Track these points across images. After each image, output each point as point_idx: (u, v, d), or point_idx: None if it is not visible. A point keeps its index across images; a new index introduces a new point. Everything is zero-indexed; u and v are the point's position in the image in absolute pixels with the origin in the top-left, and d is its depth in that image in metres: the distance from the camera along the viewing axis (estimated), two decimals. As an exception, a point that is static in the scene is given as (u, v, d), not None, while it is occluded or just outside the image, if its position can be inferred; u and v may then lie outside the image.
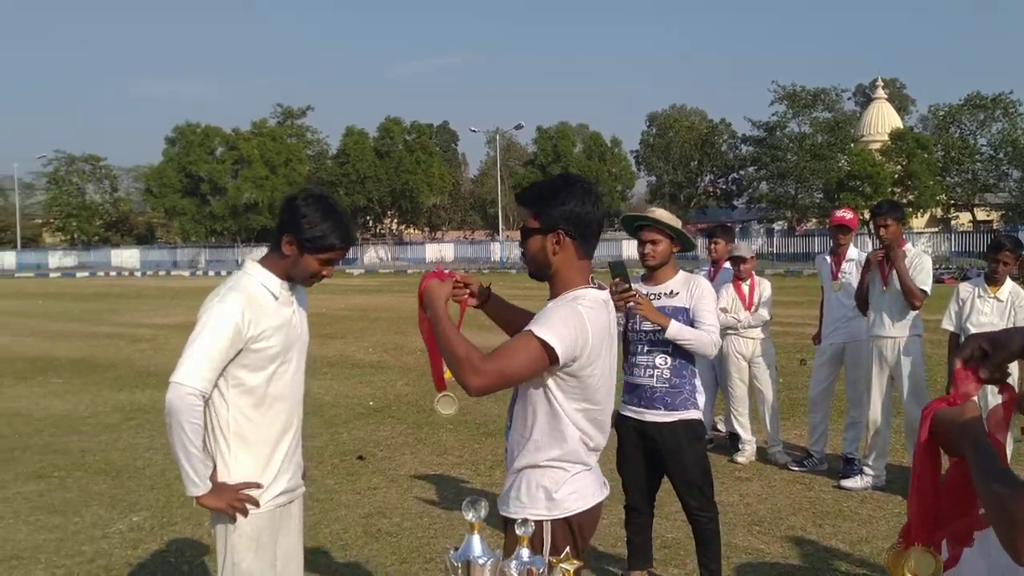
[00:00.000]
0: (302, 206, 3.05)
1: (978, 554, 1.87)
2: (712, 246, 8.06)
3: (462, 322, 2.92)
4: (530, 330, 2.62)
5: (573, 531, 2.75)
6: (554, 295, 2.79)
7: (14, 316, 24.07)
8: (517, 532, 1.81)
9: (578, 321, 2.65)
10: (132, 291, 38.31)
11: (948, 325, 6.42)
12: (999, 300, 6.18)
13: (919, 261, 6.59)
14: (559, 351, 2.59)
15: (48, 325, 21.71)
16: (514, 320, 3.10)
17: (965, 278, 6.83)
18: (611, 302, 2.86)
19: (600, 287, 2.83)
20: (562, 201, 2.72)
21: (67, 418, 9.84)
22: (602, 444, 2.86)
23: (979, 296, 6.24)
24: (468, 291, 3.06)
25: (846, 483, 6.81)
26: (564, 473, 2.76)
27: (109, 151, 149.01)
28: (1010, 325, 6.06)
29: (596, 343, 2.69)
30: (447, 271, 2.98)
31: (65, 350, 16.14)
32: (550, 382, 2.70)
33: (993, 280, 6.24)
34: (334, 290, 32.72)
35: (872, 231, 6.87)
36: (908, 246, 6.79)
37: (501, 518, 2.86)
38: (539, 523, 2.73)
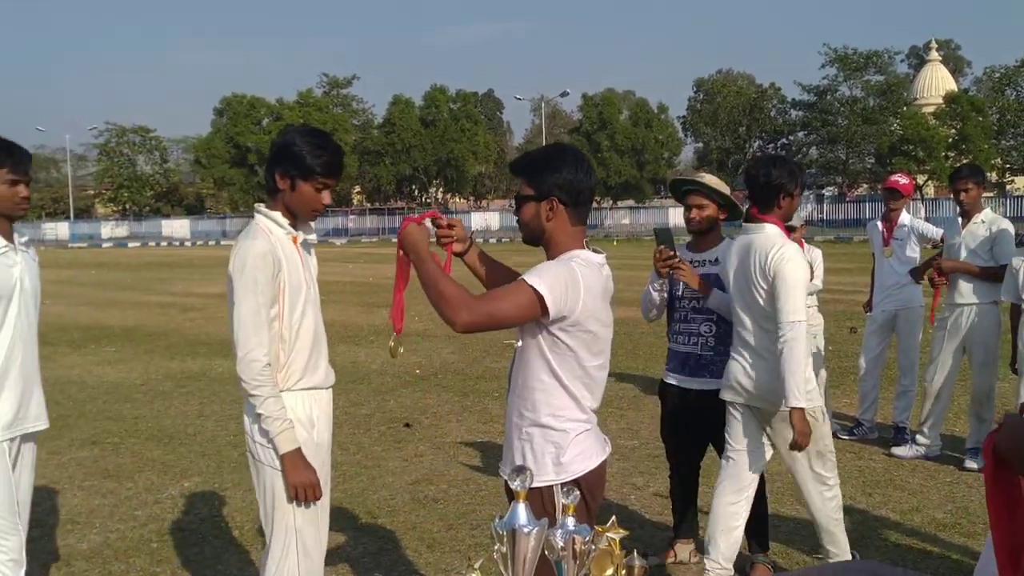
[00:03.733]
0: (282, 138, 3.15)
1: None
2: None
3: (450, 266, 2.93)
4: (523, 278, 2.66)
5: (583, 492, 2.76)
6: (549, 259, 2.82)
7: (68, 285, 24.53)
8: (564, 500, 1.80)
9: (571, 277, 2.68)
10: (183, 261, 38.87)
11: (1008, 296, 6.12)
12: None
13: (1000, 235, 6.42)
14: (549, 301, 2.62)
15: (101, 294, 22.10)
16: (493, 274, 3.14)
17: (1020, 244, 6.62)
18: (606, 265, 2.86)
19: (595, 251, 2.85)
20: (556, 169, 2.78)
21: (120, 386, 10.02)
22: (596, 405, 2.88)
23: None
24: (453, 235, 3.06)
25: (897, 451, 6.74)
26: (566, 435, 2.78)
27: (158, 122, 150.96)
28: None
29: (589, 302, 2.71)
30: (426, 214, 2.99)
31: (118, 319, 16.43)
32: (544, 344, 2.73)
33: None
34: (381, 259, 32.93)
35: (953, 196, 6.70)
36: (987, 211, 6.66)
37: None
38: (549, 488, 2.75)
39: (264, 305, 3.07)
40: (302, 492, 3.12)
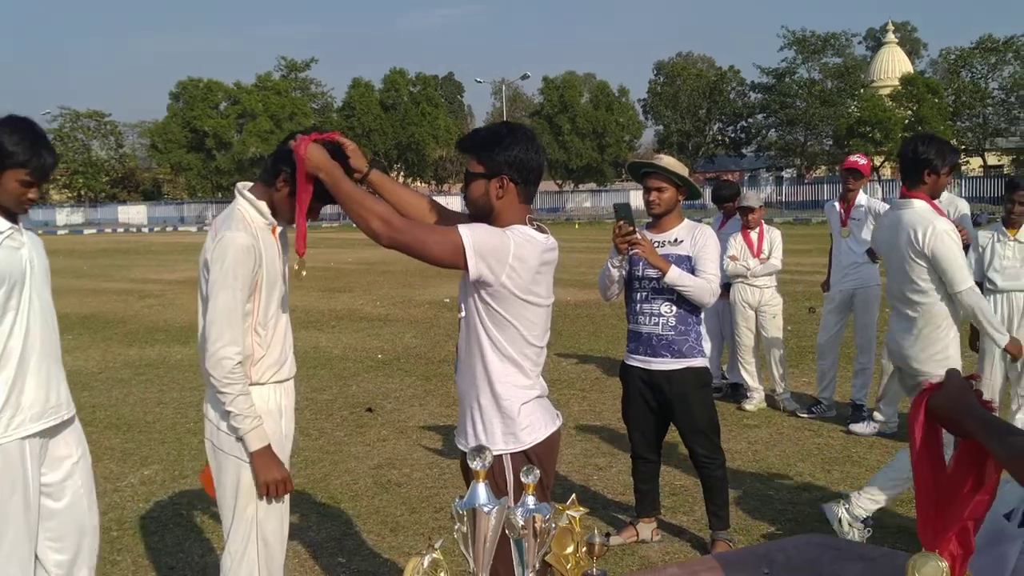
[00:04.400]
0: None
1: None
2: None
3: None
4: (457, 227, 2.70)
5: (533, 462, 2.78)
6: None
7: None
8: (523, 479, 1.80)
9: (502, 244, 2.70)
10: (140, 247, 38.40)
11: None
12: (1020, 242, 6.08)
13: (960, 219, 6.47)
14: (471, 256, 2.65)
15: (57, 282, 21.57)
16: (400, 194, 3.09)
17: (976, 223, 6.71)
18: (551, 241, 2.89)
19: (540, 228, 2.87)
20: (507, 147, 2.79)
21: (78, 373, 9.89)
22: (539, 371, 2.93)
23: (999, 240, 6.12)
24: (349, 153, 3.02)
25: (855, 427, 6.84)
26: (514, 404, 2.83)
27: (113, 107, 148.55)
28: None
29: (522, 273, 2.73)
30: (324, 135, 2.92)
31: (74, 306, 16.20)
32: (484, 313, 2.78)
33: (1011, 223, 6.11)
34: (341, 244, 32.75)
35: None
36: (944, 191, 6.72)
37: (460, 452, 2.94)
38: (498, 457, 2.79)
39: (241, 301, 3.02)
40: (273, 489, 3.10)
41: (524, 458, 2.81)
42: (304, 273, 3.06)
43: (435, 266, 2.80)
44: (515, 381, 2.84)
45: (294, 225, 3.14)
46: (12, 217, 3.20)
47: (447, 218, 3.06)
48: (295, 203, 2.98)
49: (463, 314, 2.87)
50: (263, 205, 3.10)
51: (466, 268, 2.68)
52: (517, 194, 2.83)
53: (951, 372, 1.76)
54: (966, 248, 6.25)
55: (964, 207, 6.62)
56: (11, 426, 3.11)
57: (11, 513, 3.12)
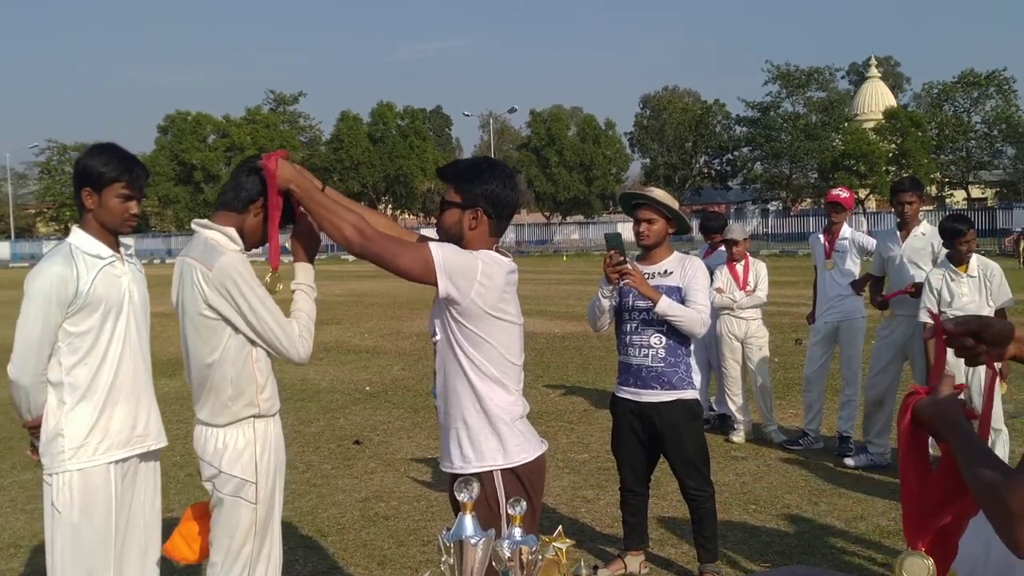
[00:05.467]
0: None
1: (976, 530, 1.86)
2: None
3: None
4: (428, 244, 2.78)
5: (523, 483, 2.81)
6: None
7: (11, 306, 23.92)
8: (509, 511, 1.81)
9: (470, 263, 2.78)
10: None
11: (925, 318, 6.12)
12: (972, 277, 6.12)
13: (941, 250, 6.57)
14: (441, 272, 2.73)
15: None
16: (358, 211, 3.09)
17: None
18: (509, 264, 2.93)
19: (504, 254, 2.95)
20: (485, 181, 2.87)
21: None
22: (520, 389, 2.97)
23: (952, 280, 6.16)
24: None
25: (848, 461, 6.80)
26: (502, 420, 2.87)
27: (101, 140, 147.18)
28: (987, 298, 6.07)
29: (489, 292, 2.80)
30: (279, 152, 2.98)
31: (60, 339, 16.09)
32: (460, 335, 2.84)
33: (958, 259, 6.17)
34: (330, 276, 32.69)
35: (894, 208, 6.87)
36: (925, 223, 6.83)
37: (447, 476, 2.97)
38: (489, 475, 2.82)
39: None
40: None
41: (515, 478, 2.83)
42: (280, 287, 3.11)
43: (404, 278, 2.85)
44: (501, 399, 2.88)
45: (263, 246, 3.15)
46: (115, 245, 3.31)
47: (406, 237, 3.10)
48: (256, 230, 3.06)
49: (437, 338, 2.92)
50: (232, 231, 3.05)
51: (435, 284, 2.74)
52: (488, 227, 2.90)
53: (943, 379, 1.77)
54: (919, 288, 6.34)
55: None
56: (99, 451, 3.20)
57: (96, 536, 3.20)
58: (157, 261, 61.03)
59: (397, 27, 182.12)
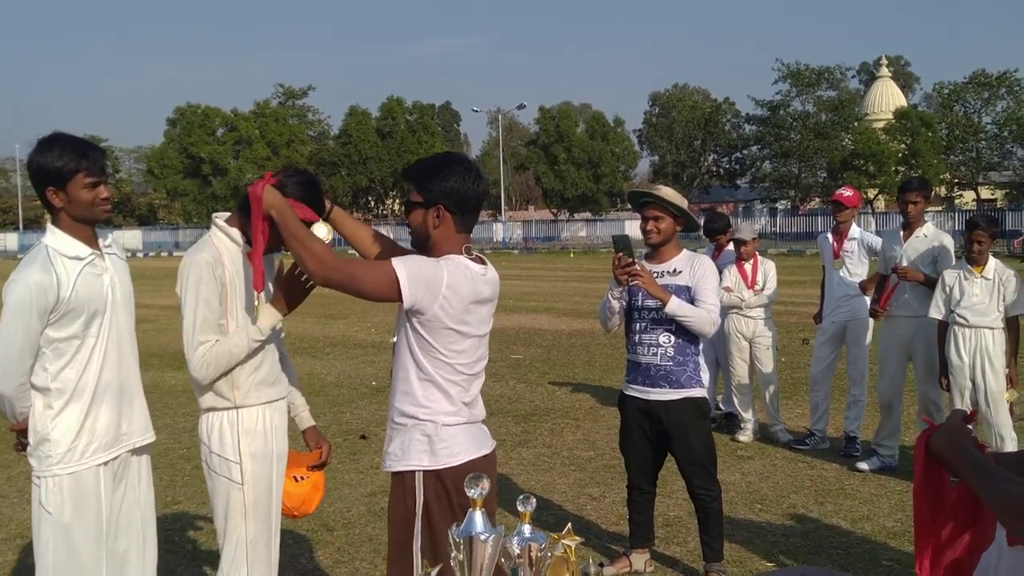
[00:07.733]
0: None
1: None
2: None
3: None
4: (391, 260, 2.78)
5: (446, 487, 2.83)
6: None
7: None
8: (519, 508, 1.81)
9: (435, 274, 2.78)
10: (134, 272, 37.60)
11: (936, 314, 6.23)
12: (986, 279, 6.13)
13: (942, 252, 6.55)
14: (405, 287, 2.74)
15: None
16: (357, 231, 3.25)
17: (960, 257, 6.77)
18: (491, 274, 2.96)
19: (477, 259, 2.94)
20: (443, 177, 2.86)
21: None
22: (469, 400, 2.99)
23: (965, 279, 6.17)
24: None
25: (863, 465, 6.70)
26: (435, 426, 2.88)
27: (109, 132, 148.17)
28: (998, 302, 6.07)
29: (453, 303, 2.80)
30: (268, 179, 3.03)
31: (68, 331, 16.14)
32: (412, 339, 2.86)
33: (975, 260, 6.17)
34: (337, 271, 32.69)
35: (900, 207, 6.82)
36: (929, 225, 6.78)
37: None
38: (411, 473, 2.88)
39: (204, 309, 3.15)
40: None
41: (436, 479, 2.86)
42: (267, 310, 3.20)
43: (371, 300, 2.88)
44: (440, 407, 2.89)
45: (283, 251, 3.20)
46: (93, 239, 3.23)
47: (394, 253, 3.11)
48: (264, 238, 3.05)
49: (395, 339, 2.95)
50: (235, 232, 3.17)
51: (401, 300, 2.76)
52: (453, 223, 2.89)
53: (953, 412, 1.80)
54: (932, 283, 6.33)
55: (948, 242, 6.67)
56: (86, 453, 3.17)
57: (85, 538, 3.18)
58: (165, 254, 61.29)
59: (407, 23, 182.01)
